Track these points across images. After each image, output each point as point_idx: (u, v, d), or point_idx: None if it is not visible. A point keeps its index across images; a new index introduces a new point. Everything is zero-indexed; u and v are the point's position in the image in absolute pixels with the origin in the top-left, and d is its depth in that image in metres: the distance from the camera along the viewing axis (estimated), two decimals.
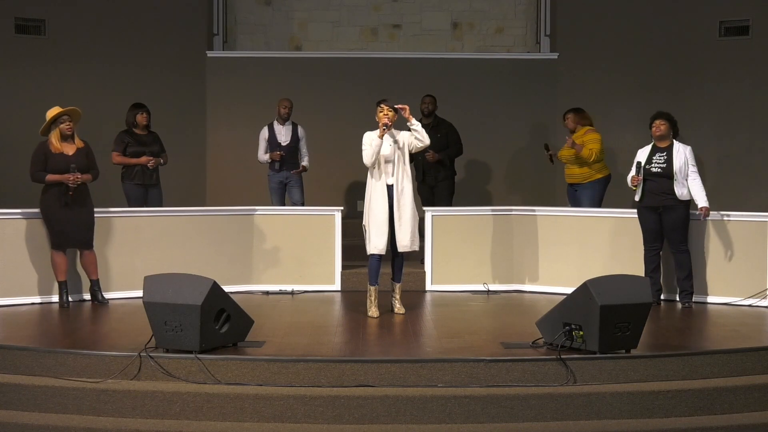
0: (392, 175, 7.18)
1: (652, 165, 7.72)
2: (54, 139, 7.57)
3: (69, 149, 7.61)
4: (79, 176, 7.51)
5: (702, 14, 10.65)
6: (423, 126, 9.30)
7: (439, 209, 8.87)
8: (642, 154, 7.83)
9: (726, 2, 10.55)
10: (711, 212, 7.87)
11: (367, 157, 7.12)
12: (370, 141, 7.13)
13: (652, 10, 10.86)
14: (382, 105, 7.18)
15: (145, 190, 8.90)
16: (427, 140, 7.25)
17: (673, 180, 7.64)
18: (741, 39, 10.55)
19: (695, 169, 7.73)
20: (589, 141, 8.76)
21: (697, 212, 7.74)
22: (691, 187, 7.69)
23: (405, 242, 7.20)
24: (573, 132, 8.96)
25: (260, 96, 10.85)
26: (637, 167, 7.74)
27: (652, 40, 10.84)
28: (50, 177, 7.52)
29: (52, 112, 7.58)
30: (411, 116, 7.16)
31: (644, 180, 7.73)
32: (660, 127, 7.74)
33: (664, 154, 7.72)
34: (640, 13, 10.90)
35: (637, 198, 7.81)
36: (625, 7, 10.95)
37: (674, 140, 7.78)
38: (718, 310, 7.66)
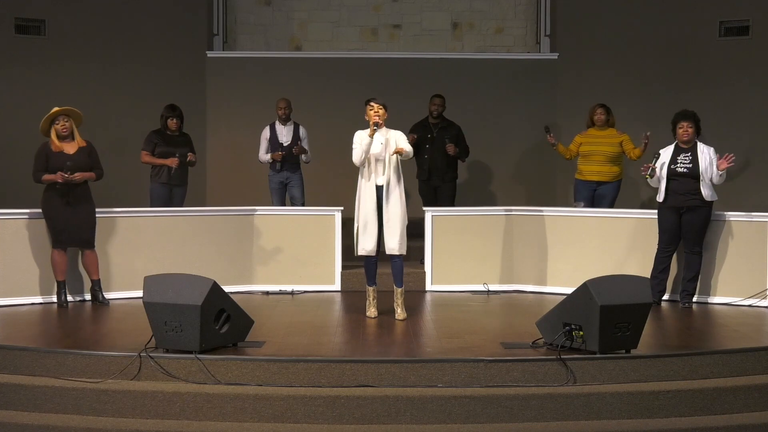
0: (382, 175, 7.08)
1: (678, 165, 7.68)
2: (54, 138, 7.60)
3: (70, 148, 7.62)
4: (67, 175, 7.49)
5: (702, 14, 10.65)
6: (431, 125, 9.37)
7: (438, 209, 8.87)
8: (665, 154, 7.79)
9: (726, 2, 10.55)
10: (710, 212, 7.91)
11: (356, 157, 7.05)
12: (360, 140, 7.07)
13: (652, 10, 10.86)
14: (372, 103, 7.10)
15: (170, 190, 8.93)
16: (411, 154, 7.22)
17: (700, 181, 7.61)
18: (741, 39, 10.54)
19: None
20: (627, 142, 8.81)
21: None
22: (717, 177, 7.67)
23: (392, 245, 7.07)
24: (593, 126, 8.95)
25: (260, 96, 10.85)
26: (656, 158, 7.72)
27: (652, 40, 10.84)
28: (45, 177, 7.53)
29: (50, 114, 7.61)
30: (404, 149, 7.08)
31: (668, 180, 7.69)
32: (688, 130, 7.70)
33: (689, 154, 7.69)
34: (640, 13, 10.90)
35: (660, 198, 7.76)
36: (625, 7, 10.95)
37: (698, 141, 7.76)
38: (718, 310, 7.66)
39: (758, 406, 5.55)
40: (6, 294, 7.69)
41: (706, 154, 7.67)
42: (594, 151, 8.91)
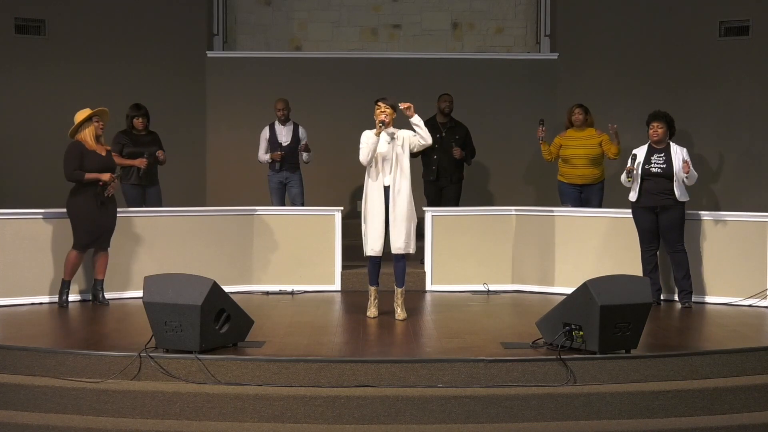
0: (389, 175, 7.06)
1: (652, 165, 7.73)
2: (89, 137, 7.58)
3: (101, 150, 7.64)
4: (116, 181, 7.58)
5: (702, 14, 10.65)
6: (440, 125, 9.36)
7: (439, 209, 8.87)
8: (638, 154, 7.83)
9: (726, 2, 10.55)
10: (711, 212, 7.93)
11: (363, 155, 7.03)
12: (366, 139, 7.05)
13: (652, 10, 10.86)
14: (379, 103, 7.08)
15: (142, 190, 8.93)
16: (429, 140, 7.11)
17: (673, 181, 7.66)
18: (741, 39, 10.54)
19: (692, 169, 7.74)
20: (606, 142, 8.80)
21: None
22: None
23: (399, 244, 7.05)
24: (572, 127, 8.97)
25: (260, 96, 10.85)
26: (632, 159, 7.76)
27: (652, 40, 10.84)
28: (89, 175, 7.49)
29: (83, 113, 7.60)
30: (414, 113, 7.01)
31: (642, 180, 7.75)
32: (658, 131, 7.75)
33: (663, 154, 7.74)
34: (640, 13, 10.91)
35: (633, 198, 7.81)
36: (625, 7, 10.95)
37: (671, 142, 7.80)
38: (718, 310, 7.66)
39: (758, 406, 5.55)
40: (6, 294, 7.69)
41: (679, 154, 7.73)
42: (575, 155, 8.93)
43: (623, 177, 7.83)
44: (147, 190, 8.97)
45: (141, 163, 8.81)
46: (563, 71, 11.19)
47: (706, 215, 8.04)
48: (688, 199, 7.77)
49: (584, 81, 10.96)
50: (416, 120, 7.04)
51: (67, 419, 5.34)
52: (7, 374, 5.70)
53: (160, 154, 8.93)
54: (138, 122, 8.96)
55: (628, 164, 7.79)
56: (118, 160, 8.85)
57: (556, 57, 11.27)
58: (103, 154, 7.63)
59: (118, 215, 8.11)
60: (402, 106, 7.00)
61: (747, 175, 10.45)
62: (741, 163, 10.49)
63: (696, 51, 10.68)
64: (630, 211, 8.00)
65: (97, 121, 7.60)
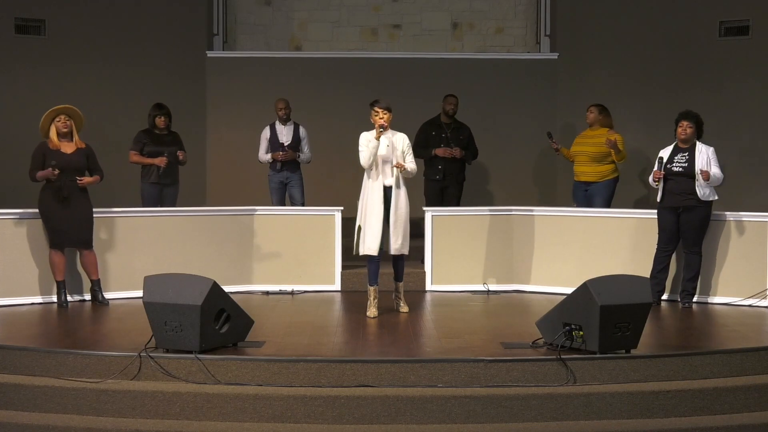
0: (390, 176, 7.19)
1: (674, 164, 7.68)
2: (53, 136, 7.59)
3: (67, 148, 7.62)
4: (55, 172, 7.45)
5: (702, 14, 10.65)
6: (444, 125, 9.38)
7: (438, 209, 8.87)
8: (664, 154, 7.79)
9: (726, 2, 10.55)
10: (712, 212, 7.91)
11: (365, 159, 7.14)
12: (366, 142, 7.15)
13: (652, 10, 10.86)
14: (376, 108, 7.16)
15: (161, 189, 8.93)
16: (413, 174, 7.33)
17: (695, 180, 7.61)
18: (741, 39, 10.54)
19: (718, 168, 7.66)
20: (618, 143, 8.78)
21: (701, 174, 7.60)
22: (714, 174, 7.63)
23: (398, 245, 7.20)
24: (590, 126, 8.97)
25: (260, 96, 10.85)
26: (659, 162, 7.71)
27: (652, 40, 10.84)
28: (38, 174, 7.52)
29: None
30: (403, 166, 7.20)
31: (665, 179, 7.69)
32: (687, 130, 7.70)
33: (686, 153, 7.69)
34: (640, 13, 10.91)
35: (658, 198, 7.76)
36: (625, 8, 10.95)
37: (697, 141, 7.76)
38: (718, 310, 7.66)
39: (758, 406, 5.55)
40: (6, 294, 7.69)
41: (704, 153, 7.67)
42: (580, 152, 8.96)
43: (651, 179, 7.78)
44: (165, 190, 8.97)
45: (161, 161, 8.81)
46: (563, 71, 11.19)
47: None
48: (715, 198, 7.67)
49: (584, 81, 10.97)
50: (408, 170, 7.24)
51: (67, 419, 5.34)
52: (7, 374, 5.70)
53: (180, 154, 8.94)
54: (160, 121, 8.96)
55: (655, 168, 7.72)
56: (138, 158, 8.89)
57: (556, 57, 11.27)
58: (69, 151, 7.58)
59: (119, 215, 8.13)
60: (398, 165, 7.17)
61: (747, 175, 10.44)
62: (741, 163, 10.48)
63: (696, 51, 10.68)
64: (632, 211, 8.00)
65: (59, 120, 7.59)
